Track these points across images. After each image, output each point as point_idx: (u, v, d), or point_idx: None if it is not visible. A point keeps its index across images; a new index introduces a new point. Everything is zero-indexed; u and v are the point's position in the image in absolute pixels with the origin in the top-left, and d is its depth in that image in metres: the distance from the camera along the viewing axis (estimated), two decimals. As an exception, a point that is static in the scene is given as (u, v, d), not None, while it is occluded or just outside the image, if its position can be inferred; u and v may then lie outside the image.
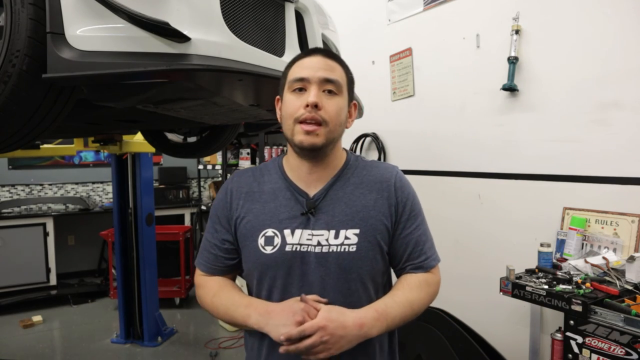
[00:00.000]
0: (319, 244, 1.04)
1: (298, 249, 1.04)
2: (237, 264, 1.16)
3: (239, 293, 1.14)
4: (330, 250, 1.04)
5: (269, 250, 1.05)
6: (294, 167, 1.10)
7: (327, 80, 1.03)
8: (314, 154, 1.06)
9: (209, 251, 1.16)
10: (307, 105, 1.00)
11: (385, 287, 1.13)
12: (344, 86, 1.07)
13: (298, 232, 1.04)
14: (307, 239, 1.04)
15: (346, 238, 1.03)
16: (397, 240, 1.09)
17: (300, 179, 1.09)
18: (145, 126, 2.64)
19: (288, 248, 1.04)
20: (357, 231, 1.04)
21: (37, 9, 1.02)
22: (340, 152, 1.13)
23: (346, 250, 1.03)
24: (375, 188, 1.08)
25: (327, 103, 1.02)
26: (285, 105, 1.07)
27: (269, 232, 1.06)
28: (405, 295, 1.06)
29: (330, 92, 1.04)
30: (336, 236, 1.04)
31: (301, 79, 1.02)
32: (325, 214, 1.05)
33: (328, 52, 1.09)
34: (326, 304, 1.01)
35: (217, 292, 1.13)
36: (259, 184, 1.12)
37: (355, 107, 1.12)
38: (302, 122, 1.01)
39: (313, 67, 1.03)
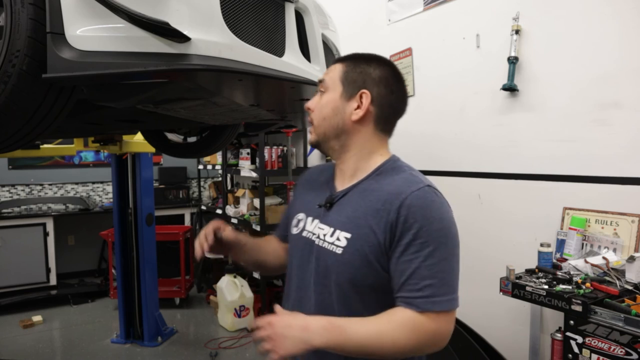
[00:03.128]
0: (319, 237, 1.08)
1: (310, 237, 1.11)
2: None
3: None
4: (323, 246, 1.06)
5: (294, 231, 1.17)
6: None
7: (320, 83, 1.12)
8: (321, 150, 1.13)
9: (282, 218, 1.34)
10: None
11: (376, 309, 0.99)
12: (334, 82, 1.08)
13: (315, 221, 1.11)
14: (317, 230, 1.10)
15: (337, 239, 1.03)
16: (394, 263, 0.98)
17: (340, 175, 1.13)
18: (145, 126, 2.64)
19: (304, 233, 1.13)
20: (348, 235, 1.02)
21: (37, 9, 1.02)
22: (372, 151, 1.10)
23: (333, 250, 1.03)
24: (384, 199, 1.00)
25: (314, 104, 1.11)
26: None
27: (300, 215, 1.17)
28: (378, 325, 0.93)
29: (321, 92, 1.11)
30: (332, 235, 1.05)
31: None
32: (336, 212, 1.07)
33: (337, 59, 1.15)
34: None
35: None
36: (320, 175, 1.22)
37: (362, 96, 1.06)
38: None
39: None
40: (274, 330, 0.93)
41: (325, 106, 1.08)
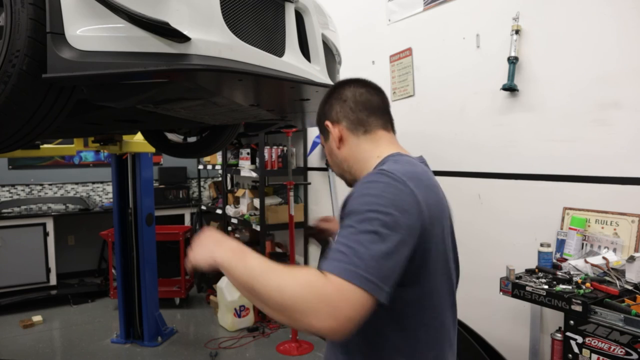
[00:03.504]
0: None
1: None
2: None
3: None
4: None
5: None
6: None
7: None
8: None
9: None
10: None
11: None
12: (324, 130, 1.15)
13: None
14: None
15: None
16: None
17: None
18: (145, 126, 2.64)
19: None
20: None
21: (37, 9, 1.02)
22: (365, 158, 1.09)
23: None
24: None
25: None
26: None
27: None
28: (276, 267, 0.85)
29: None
30: None
31: None
32: None
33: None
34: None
35: None
36: None
37: (328, 127, 1.11)
38: None
39: None
40: (198, 240, 0.99)
41: (329, 153, 1.18)
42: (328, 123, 1.12)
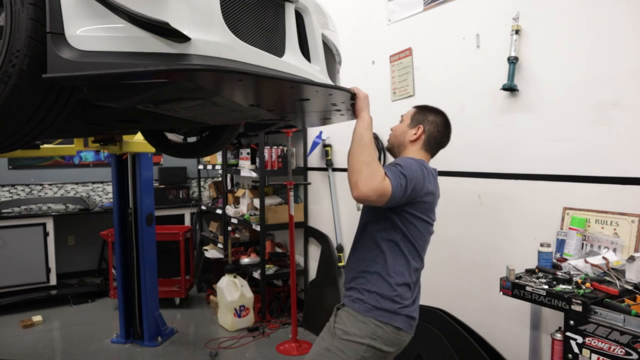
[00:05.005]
0: None
1: None
2: None
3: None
4: None
5: None
6: None
7: (402, 116, 1.95)
8: (391, 153, 1.94)
9: None
10: None
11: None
12: (407, 118, 1.90)
13: None
14: None
15: None
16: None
17: None
18: (145, 126, 2.64)
19: None
20: None
21: (37, 9, 1.01)
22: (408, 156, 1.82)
23: None
24: None
25: (394, 127, 1.93)
26: None
27: None
28: (373, 147, 1.64)
29: (400, 121, 1.93)
30: None
31: None
32: None
33: (413, 106, 1.96)
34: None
35: None
36: None
37: (419, 128, 1.84)
38: None
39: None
40: (364, 96, 1.70)
41: (398, 128, 1.89)
42: (421, 127, 1.83)
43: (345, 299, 1.74)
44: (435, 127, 1.83)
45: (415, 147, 1.82)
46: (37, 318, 4.14)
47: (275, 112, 1.82)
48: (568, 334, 1.72)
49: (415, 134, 1.81)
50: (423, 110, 1.87)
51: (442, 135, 1.85)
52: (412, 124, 1.84)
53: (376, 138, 3.30)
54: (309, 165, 4.26)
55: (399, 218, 1.67)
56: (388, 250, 1.69)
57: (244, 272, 4.29)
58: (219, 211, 4.88)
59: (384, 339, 1.63)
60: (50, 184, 5.28)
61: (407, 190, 1.58)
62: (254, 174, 4.14)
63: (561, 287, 1.79)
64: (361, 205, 1.86)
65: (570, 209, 2.19)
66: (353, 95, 1.67)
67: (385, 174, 1.54)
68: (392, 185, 1.52)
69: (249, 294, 3.98)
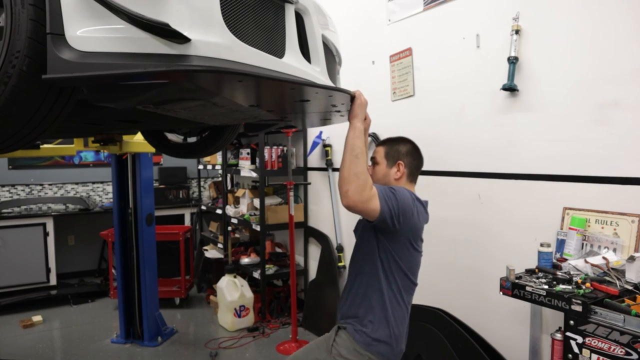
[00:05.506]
0: None
1: None
2: None
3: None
4: None
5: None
6: None
7: (373, 159, 1.95)
8: None
9: None
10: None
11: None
12: (381, 159, 1.91)
13: None
14: None
15: None
16: None
17: None
18: (145, 126, 2.64)
19: None
20: None
21: (37, 9, 1.01)
22: None
23: None
24: None
25: (371, 171, 1.91)
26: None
27: None
28: (364, 155, 1.67)
29: (374, 164, 1.94)
30: None
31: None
32: None
33: (379, 142, 1.99)
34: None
35: None
36: None
37: (399, 165, 1.87)
38: None
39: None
40: (362, 101, 1.69)
41: (378, 172, 1.90)
42: (401, 162, 1.86)
43: (349, 325, 1.77)
44: (411, 157, 1.89)
45: (401, 183, 1.86)
46: (37, 318, 4.14)
47: (275, 112, 1.82)
48: (568, 334, 1.72)
49: (398, 171, 1.86)
50: (392, 145, 1.90)
51: (418, 161, 1.92)
52: (389, 163, 1.87)
53: (376, 138, 3.30)
54: (309, 165, 4.26)
55: (391, 248, 1.74)
56: (387, 290, 1.75)
57: (244, 272, 4.29)
58: (219, 211, 4.88)
59: None
60: (50, 184, 5.28)
61: (398, 211, 1.64)
62: (254, 174, 4.14)
63: (561, 287, 1.79)
64: None
65: (570, 209, 2.19)
66: (353, 98, 1.68)
67: (377, 190, 1.61)
68: (379, 200, 1.59)
69: (249, 294, 3.98)
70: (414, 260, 1.80)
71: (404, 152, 1.87)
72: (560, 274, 1.93)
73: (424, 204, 1.84)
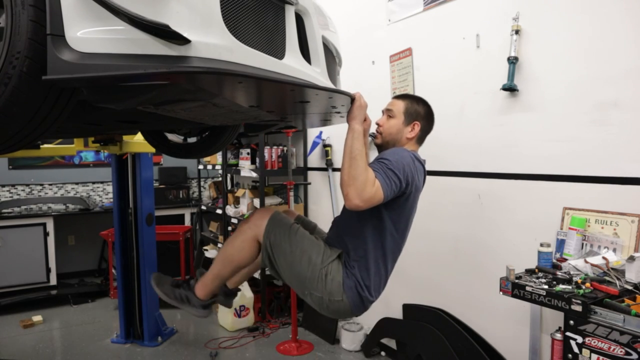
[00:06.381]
0: None
1: None
2: None
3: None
4: None
5: None
6: None
7: (388, 110, 1.92)
8: (383, 148, 1.91)
9: None
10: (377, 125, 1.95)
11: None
12: (399, 112, 1.90)
13: None
14: None
15: None
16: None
17: None
18: (146, 127, 2.64)
19: None
20: None
21: (38, 10, 1.01)
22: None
23: None
24: None
25: (382, 122, 1.93)
26: None
27: None
28: (363, 157, 1.65)
29: (389, 116, 1.92)
30: None
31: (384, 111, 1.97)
32: None
33: (398, 95, 1.99)
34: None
35: None
36: None
37: (415, 126, 1.89)
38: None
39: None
40: (362, 104, 1.72)
41: (392, 126, 1.90)
42: (418, 123, 1.88)
43: (347, 267, 1.76)
44: (426, 120, 1.92)
45: (411, 142, 1.90)
46: (37, 318, 4.14)
47: (275, 113, 1.82)
48: (568, 334, 1.72)
49: (412, 131, 1.88)
50: (412, 103, 1.90)
51: (431, 125, 1.96)
52: (407, 121, 1.88)
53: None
54: (309, 165, 4.26)
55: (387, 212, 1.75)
56: (372, 244, 1.76)
57: (244, 272, 4.28)
58: (219, 211, 4.88)
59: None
60: (50, 184, 5.28)
61: (402, 187, 1.67)
62: (254, 174, 4.14)
63: (561, 287, 1.79)
64: None
65: (570, 209, 2.19)
66: (353, 100, 1.68)
67: (376, 177, 1.60)
68: (383, 190, 1.60)
69: (249, 293, 3.99)
70: (408, 215, 1.83)
71: (423, 114, 1.90)
72: (560, 274, 1.93)
73: (422, 163, 1.85)
